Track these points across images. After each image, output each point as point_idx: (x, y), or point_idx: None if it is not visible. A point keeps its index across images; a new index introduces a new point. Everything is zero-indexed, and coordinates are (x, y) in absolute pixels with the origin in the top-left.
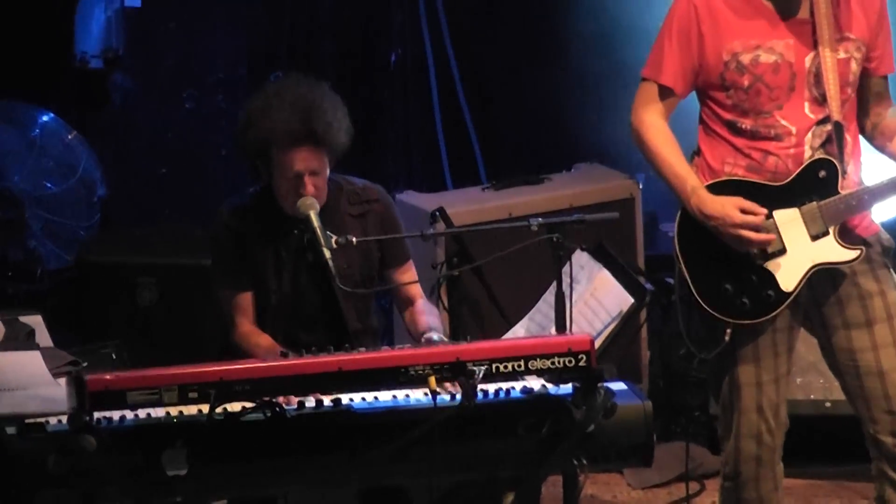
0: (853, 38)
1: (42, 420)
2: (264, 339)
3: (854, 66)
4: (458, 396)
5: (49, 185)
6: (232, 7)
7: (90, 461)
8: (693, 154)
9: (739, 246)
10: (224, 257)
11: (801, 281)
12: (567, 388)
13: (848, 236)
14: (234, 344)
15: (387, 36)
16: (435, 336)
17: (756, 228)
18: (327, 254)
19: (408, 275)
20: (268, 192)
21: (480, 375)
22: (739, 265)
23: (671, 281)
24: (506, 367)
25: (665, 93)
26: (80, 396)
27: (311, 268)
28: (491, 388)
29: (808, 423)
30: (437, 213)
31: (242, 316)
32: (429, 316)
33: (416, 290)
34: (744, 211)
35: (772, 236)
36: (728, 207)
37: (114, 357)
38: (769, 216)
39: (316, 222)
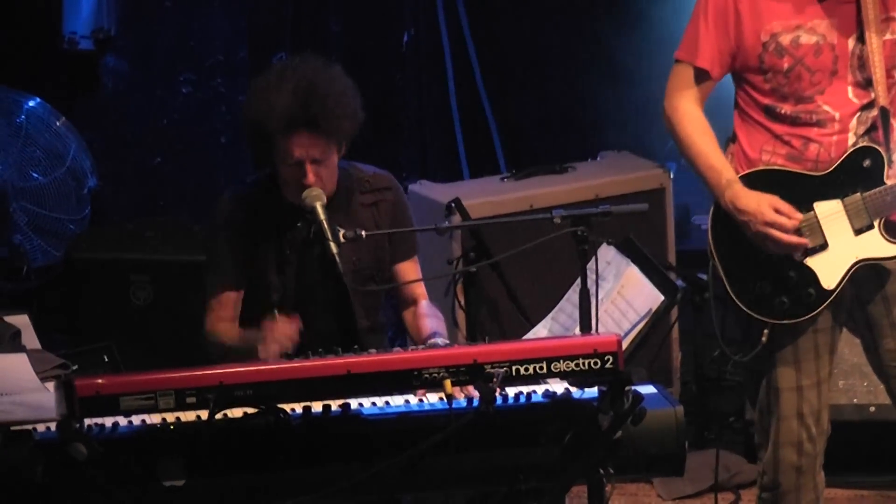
0: None
1: (29, 428)
2: (228, 328)
3: None
4: (476, 401)
5: (36, 175)
6: None
7: (80, 471)
8: (728, 141)
9: (767, 247)
10: (220, 248)
11: (843, 278)
12: (592, 392)
13: (894, 230)
14: (205, 337)
15: (399, 14)
16: (440, 342)
17: (786, 230)
18: (334, 248)
19: (412, 271)
20: (272, 179)
21: (500, 379)
22: (778, 261)
23: (704, 278)
24: (527, 369)
25: (701, 76)
26: (70, 402)
27: (317, 262)
28: (511, 392)
29: (851, 429)
30: (453, 205)
31: (221, 308)
32: (432, 318)
33: (421, 290)
34: (778, 212)
35: (804, 241)
36: (763, 204)
37: (106, 360)
38: (809, 209)
39: (322, 215)
